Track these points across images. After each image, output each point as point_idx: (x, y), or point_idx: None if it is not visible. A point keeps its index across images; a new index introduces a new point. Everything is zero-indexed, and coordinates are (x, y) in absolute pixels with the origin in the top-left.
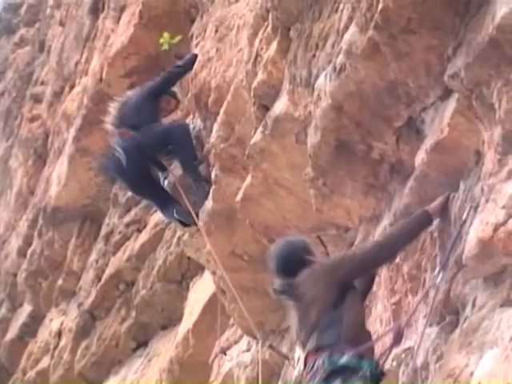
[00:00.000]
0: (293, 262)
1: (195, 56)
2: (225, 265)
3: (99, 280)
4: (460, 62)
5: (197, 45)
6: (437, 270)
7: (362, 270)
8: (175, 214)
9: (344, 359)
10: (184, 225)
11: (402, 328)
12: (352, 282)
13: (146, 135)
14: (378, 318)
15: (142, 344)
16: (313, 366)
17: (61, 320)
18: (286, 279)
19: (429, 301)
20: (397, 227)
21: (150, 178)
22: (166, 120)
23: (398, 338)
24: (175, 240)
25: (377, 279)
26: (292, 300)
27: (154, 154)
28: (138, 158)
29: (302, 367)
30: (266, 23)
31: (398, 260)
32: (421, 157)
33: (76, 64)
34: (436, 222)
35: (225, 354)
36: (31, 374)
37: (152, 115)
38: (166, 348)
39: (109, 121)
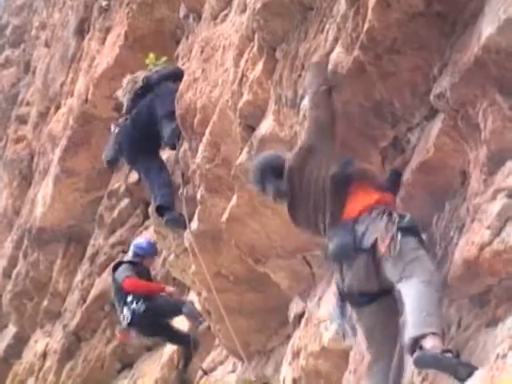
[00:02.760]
0: None
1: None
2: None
3: (84, 301)
4: (446, 82)
5: (182, 65)
6: None
7: None
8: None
9: None
10: None
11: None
12: None
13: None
14: None
15: (128, 365)
16: None
17: (46, 341)
18: None
19: None
20: None
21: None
22: None
23: None
24: (160, 261)
25: None
26: None
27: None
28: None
29: None
30: (251, 44)
31: None
32: (406, 177)
33: (61, 85)
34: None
35: (206, 373)
36: None
37: None
38: (151, 369)
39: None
